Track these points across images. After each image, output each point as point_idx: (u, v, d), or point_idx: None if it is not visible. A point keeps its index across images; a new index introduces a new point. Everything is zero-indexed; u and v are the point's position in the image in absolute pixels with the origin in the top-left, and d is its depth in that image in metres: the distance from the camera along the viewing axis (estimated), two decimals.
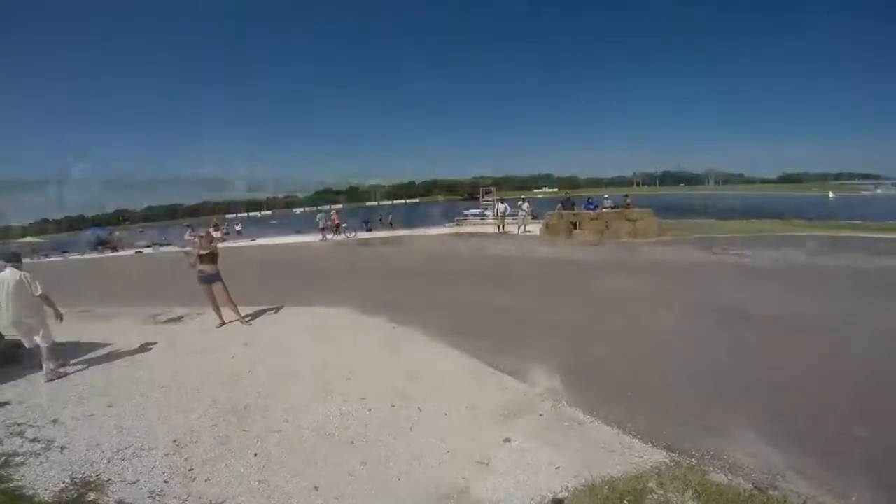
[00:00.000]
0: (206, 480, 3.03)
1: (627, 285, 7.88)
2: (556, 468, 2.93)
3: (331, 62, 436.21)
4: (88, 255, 26.03)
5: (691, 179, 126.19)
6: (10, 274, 4.84)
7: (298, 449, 3.37)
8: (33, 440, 3.68)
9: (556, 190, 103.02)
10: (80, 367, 5.39)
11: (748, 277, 8.04)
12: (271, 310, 7.60)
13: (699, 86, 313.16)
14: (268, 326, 6.77)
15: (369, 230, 25.86)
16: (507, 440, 3.29)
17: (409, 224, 28.18)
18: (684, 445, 3.11)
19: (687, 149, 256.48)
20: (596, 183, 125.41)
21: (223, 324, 6.79)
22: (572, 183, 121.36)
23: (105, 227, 53.76)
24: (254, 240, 25.31)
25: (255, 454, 3.31)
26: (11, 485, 3.08)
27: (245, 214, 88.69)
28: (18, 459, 3.39)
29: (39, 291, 4.95)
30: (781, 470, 2.80)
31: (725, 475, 2.76)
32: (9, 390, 4.77)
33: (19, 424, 3.97)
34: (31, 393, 4.67)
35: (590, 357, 4.80)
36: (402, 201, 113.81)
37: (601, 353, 4.85)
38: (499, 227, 18.02)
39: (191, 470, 3.15)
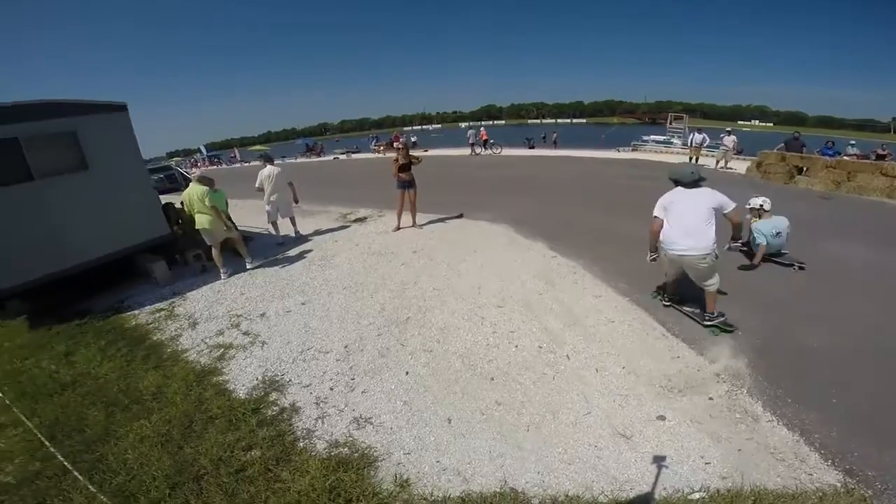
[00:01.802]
0: (362, 392, 3.37)
1: (875, 260, 5.66)
2: (707, 463, 2.53)
3: None
4: (299, 160, 31.60)
5: None
6: (272, 168, 7.32)
7: (443, 374, 3.52)
8: (245, 333, 4.40)
9: (770, 125, 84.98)
10: (287, 261, 6.51)
11: None
12: (439, 220, 8.07)
13: None
14: (434, 235, 7.22)
15: (531, 147, 24.94)
16: (662, 417, 2.91)
17: (575, 144, 25.93)
18: (871, 473, 2.43)
19: None
20: (829, 123, 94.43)
21: (399, 228, 7.59)
22: (797, 119, 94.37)
23: (311, 137, 64.03)
24: (426, 151, 26.90)
25: (407, 372, 3.57)
26: (221, 378, 3.65)
27: (419, 127, 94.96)
28: (231, 353, 4.04)
29: (290, 180, 7.46)
30: None
31: None
32: (237, 281, 5.87)
33: (238, 316, 4.81)
34: (251, 284, 5.70)
35: (797, 342, 3.75)
36: (568, 121, 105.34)
37: (813, 341, 3.74)
38: (691, 159, 15.08)
39: (352, 380, 3.53)
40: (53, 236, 5.17)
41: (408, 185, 7.38)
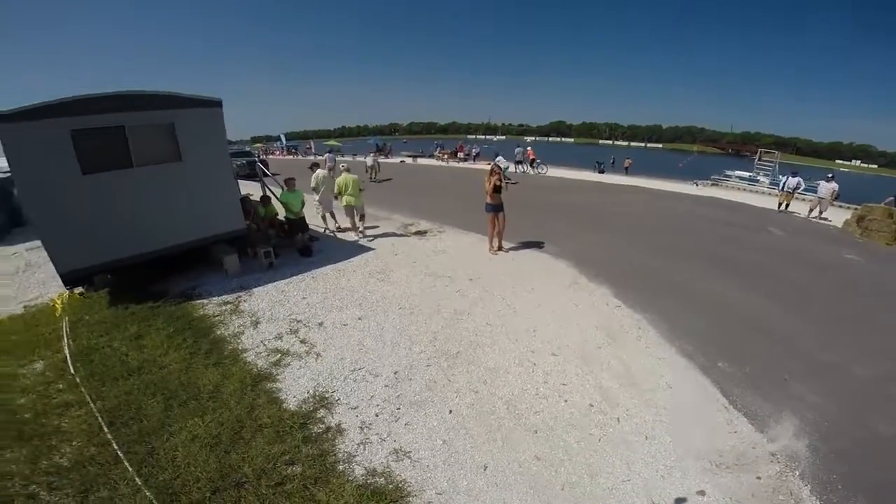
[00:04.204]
0: (405, 424, 3.38)
1: None
2: None
3: None
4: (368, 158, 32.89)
5: None
6: (324, 171, 8.62)
7: (487, 419, 3.46)
8: (302, 341, 4.54)
9: (874, 166, 77.20)
10: (349, 269, 6.70)
11: None
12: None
13: None
14: (492, 263, 7.12)
15: (601, 172, 24.04)
16: (701, 493, 2.82)
17: (648, 172, 24.65)
18: None
19: None
20: None
21: (496, 252, 7.54)
22: None
23: (381, 136, 66.40)
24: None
25: (451, 411, 3.54)
26: (275, 385, 3.77)
27: (483, 137, 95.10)
28: (287, 360, 4.18)
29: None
30: None
31: None
32: (300, 283, 6.10)
33: (298, 321, 4.98)
34: (313, 289, 5.91)
35: (867, 429, 3.49)
36: (643, 144, 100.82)
37: (889, 431, 3.46)
38: (780, 205, 13.69)
39: (398, 409, 3.55)
40: (143, 220, 5.60)
41: (498, 208, 7.32)
